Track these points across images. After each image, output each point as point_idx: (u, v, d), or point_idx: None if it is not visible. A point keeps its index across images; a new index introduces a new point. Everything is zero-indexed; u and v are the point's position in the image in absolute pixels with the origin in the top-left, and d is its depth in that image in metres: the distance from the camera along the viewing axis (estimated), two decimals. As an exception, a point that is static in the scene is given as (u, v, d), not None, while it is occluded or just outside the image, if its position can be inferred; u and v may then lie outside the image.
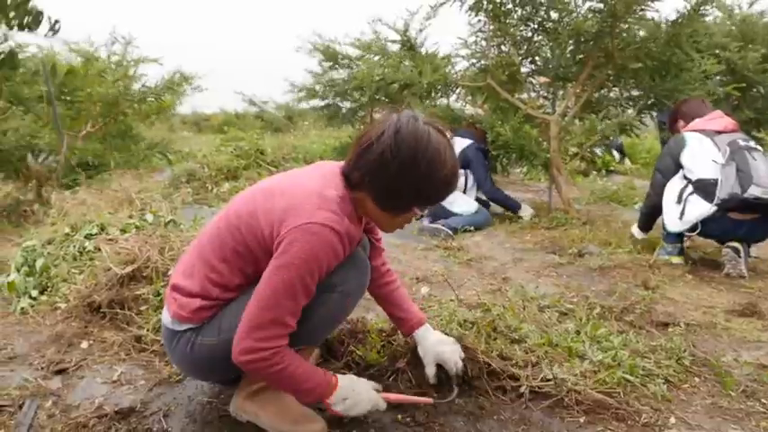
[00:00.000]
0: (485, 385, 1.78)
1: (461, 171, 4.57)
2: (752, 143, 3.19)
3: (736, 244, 3.13)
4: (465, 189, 4.63)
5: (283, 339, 1.37)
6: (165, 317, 1.54)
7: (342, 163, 1.54)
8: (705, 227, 3.19)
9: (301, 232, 1.32)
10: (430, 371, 1.74)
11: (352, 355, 1.90)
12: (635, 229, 3.85)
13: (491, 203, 4.93)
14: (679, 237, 3.40)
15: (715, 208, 3.08)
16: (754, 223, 3.10)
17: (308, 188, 1.42)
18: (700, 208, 3.15)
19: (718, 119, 3.36)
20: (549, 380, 1.82)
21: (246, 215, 1.43)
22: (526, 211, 4.82)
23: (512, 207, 4.88)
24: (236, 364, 1.36)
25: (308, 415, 1.57)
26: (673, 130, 3.64)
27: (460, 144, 4.65)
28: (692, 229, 3.22)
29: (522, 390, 1.78)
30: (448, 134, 1.47)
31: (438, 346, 1.74)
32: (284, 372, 1.37)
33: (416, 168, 1.37)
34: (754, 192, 2.95)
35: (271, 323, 1.34)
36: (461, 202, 4.51)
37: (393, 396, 1.62)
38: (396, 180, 1.39)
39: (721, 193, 3.04)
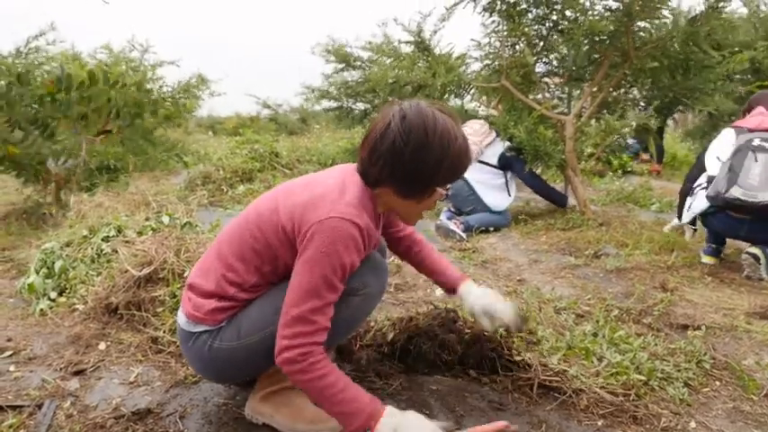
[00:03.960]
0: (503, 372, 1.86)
1: (501, 172, 4.64)
2: None
3: (755, 250, 3.09)
4: (509, 191, 4.71)
5: (309, 337, 1.32)
6: (180, 317, 1.53)
7: None
8: (709, 222, 3.26)
9: (321, 227, 1.32)
10: (484, 322, 1.73)
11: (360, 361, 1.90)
12: (674, 220, 3.85)
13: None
14: (717, 237, 3.39)
15: (708, 204, 3.13)
16: (755, 223, 3.05)
17: (328, 184, 1.43)
18: (700, 203, 3.22)
19: (757, 116, 3.31)
20: (562, 378, 1.80)
21: (267, 212, 1.44)
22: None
23: (558, 200, 5.06)
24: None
25: (323, 415, 1.56)
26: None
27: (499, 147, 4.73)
28: (693, 222, 3.33)
29: (533, 384, 1.77)
30: (451, 114, 1.46)
31: (482, 299, 1.74)
32: (320, 383, 1.31)
33: (430, 148, 1.37)
34: (734, 192, 2.93)
35: (295, 320, 1.32)
36: (496, 195, 4.56)
37: None
38: (413, 165, 1.38)
39: (711, 190, 3.07)
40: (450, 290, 1.83)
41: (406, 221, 1.64)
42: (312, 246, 1.32)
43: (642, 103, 4.94)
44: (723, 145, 3.25)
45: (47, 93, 3.96)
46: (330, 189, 1.41)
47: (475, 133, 4.62)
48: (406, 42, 5.59)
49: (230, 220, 1.60)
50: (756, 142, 3.07)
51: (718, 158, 3.18)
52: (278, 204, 1.44)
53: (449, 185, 1.50)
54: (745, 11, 6.27)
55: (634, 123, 4.54)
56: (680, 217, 3.74)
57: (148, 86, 6.63)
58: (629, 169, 7.89)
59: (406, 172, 1.40)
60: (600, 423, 1.64)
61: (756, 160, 2.99)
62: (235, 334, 1.45)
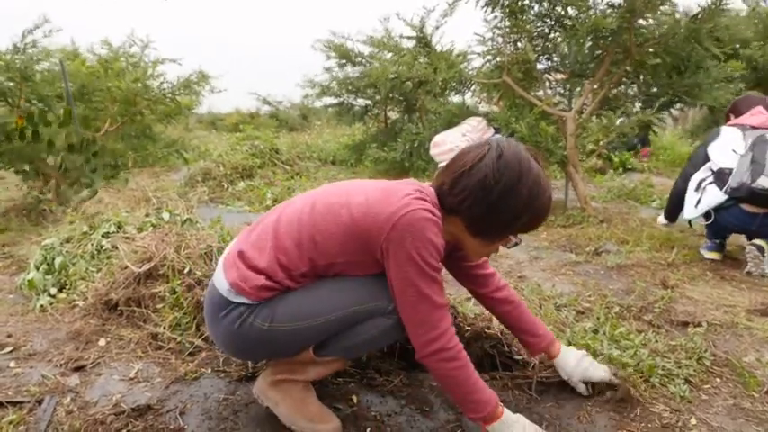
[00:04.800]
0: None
1: None
2: None
3: (761, 242, 3.08)
4: None
5: (446, 320, 1.38)
6: (221, 282, 1.45)
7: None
8: (719, 216, 3.21)
9: (403, 225, 1.31)
10: (581, 388, 1.74)
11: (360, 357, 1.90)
12: (660, 218, 3.94)
13: None
14: (717, 233, 3.39)
15: (726, 196, 3.10)
16: (767, 218, 3.06)
17: (406, 189, 1.41)
18: (713, 196, 3.18)
19: (758, 114, 3.37)
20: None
21: (337, 206, 1.42)
22: None
23: None
24: (425, 365, 1.40)
25: (325, 413, 1.57)
26: (726, 123, 3.67)
27: None
28: (706, 216, 3.26)
29: (532, 382, 1.78)
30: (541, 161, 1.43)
31: (582, 364, 1.74)
32: (463, 371, 1.38)
33: (519, 194, 1.35)
34: (762, 183, 2.94)
35: (428, 313, 1.35)
36: None
37: None
38: (496, 206, 1.36)
39: (732, 181, 3.06)
40: (536, 351, 1.78)
41: (470, 257, 1.63)
42: (405, 246, 1.31)
43: (642, 99, 4.92)
44: (732, 140, 3.24)
45: (15, 128, 3.91)
46: (407, 191, 1.39)
47: (473, 129, 4.62)
48: (408, 38, 5.58)
49: (290, 201, 1.56)
50: None
51: (734, 151, 3.16)
52: (349, 200, 1.41)
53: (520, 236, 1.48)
54: (744, 6, 6.27)
55: (618, 122, 4.53)
56: (669, 216, 3.82)
57: (148, 82, 6.62)
58: (629, 166, 7.88)
59: (487, 211, 1.38)
60: (600, 420, 1.64)
61: None
62: (268, 317, 1.41)
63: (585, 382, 1.74)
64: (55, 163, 4.59)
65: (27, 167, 4.40)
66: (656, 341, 2.11)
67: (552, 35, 4.74)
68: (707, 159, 3.38)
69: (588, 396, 1.74)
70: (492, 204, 1.36)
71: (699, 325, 2.33)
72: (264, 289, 1.41)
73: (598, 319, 2.34)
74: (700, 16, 4.02)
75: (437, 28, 6.03)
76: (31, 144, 3.93)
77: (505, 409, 1.42)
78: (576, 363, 1.74)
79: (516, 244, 1.49)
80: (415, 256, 1.31)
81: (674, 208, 3.72)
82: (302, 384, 1.59)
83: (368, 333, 1.46)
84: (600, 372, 1.72)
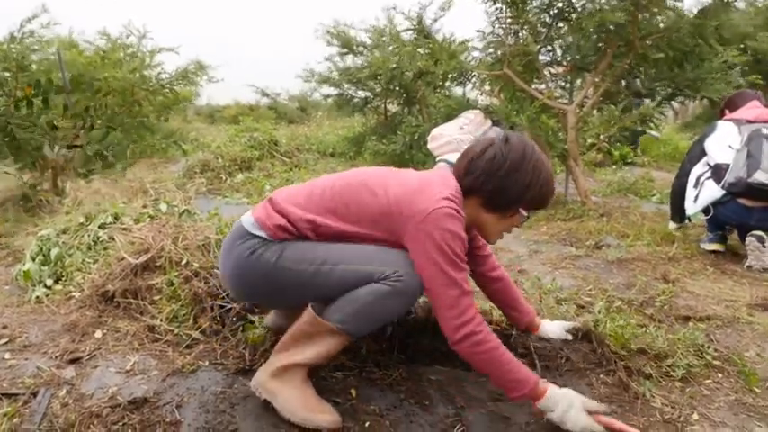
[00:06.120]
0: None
1: None
2: None
3: (761, 232, 3.07)
4: None
5: (474, 307, 1.48)
6: (247, 217, 1.62)
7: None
8: (718, 211, 3.22)
9: (434, 218, 1.45)
10: (569, 337, 2.00)
11: (360, 350, 1.88)
12: (671, 224, 3.87)
13: None
14: (718, 225, 3.38)
15: (723, 191, 3.11)
16: (765, 212, 3.05)
17: (443, 190, 1.53)
18: (711, 191, 3.20)
19: (754, 108, 3.39)
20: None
21: (375, 187, 1.55)
22: None
23: None
24: (458, 353, 1.49)
25: (324, 406, 1.56)
26: (721, 118, 3.66)
27: None
28: (705, 211, 3.28)
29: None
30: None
31: (556, 321, 2.05)
32: (495, 353, 1.46)
33: (524, 171, 1.55)
34: (758, 177, 2.96)
35: (457, 297, 1.45)
36: None
37: (605, 420, 1.48)
38: (505, 180, 1.55)
39: (729, 177, 3.08)
40: (522, 326, 2.01)
41: (486, 237, 1.75)
42: (434, 234, 1.44)
43: (643, 92, 4.89)
44: (728, 135, 3.25)
45: (23, 97, 3.91)
46: (444, 193, 1.51)
47: (471, 122, 4.57)
48: (406, 30, 5.55)
49: (320, 177, 1.70)
50: (765, 131, 3.12)
51: (730, 147, 3.17)
52: (387, 182, 1.56)
53: (530, 212, 1.65)
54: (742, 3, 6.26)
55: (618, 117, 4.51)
56: (676, 217, 3.77)
57: (146, 73, 6.56)
58: (629, 160, 7.86)
59: (499, 185, 1.57)
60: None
61: None
62: (277, 252, 1.53)
63: (569, 331, 2.00)
64: (57, 155, 4.56)
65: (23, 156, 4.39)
66: (657, 336, 2.10)
67: (554, 27, 4.70)
68: (703, 154, 3.39)
69: (572, 341, 1.97)
70: (502, 178, 1.55)
71: (700, 320, 2.32)
72: (282, 229, 1.54)
73: (599, 313, 2.32)
74: (706, 11, 3.98)
75: (435, 20, 6.00)
76: (42, 110, 3.94)
77: (550, 385, 1.49)
78: (551, 323, 2.03)
79: (527, 218, 1.65)
80: (444, 246, 1.44)
81: (678, 207, 3.65)
82: (302, 376, 1.59)
83: (364, 299, 1.48)
84: (573, 329, 2.01)
